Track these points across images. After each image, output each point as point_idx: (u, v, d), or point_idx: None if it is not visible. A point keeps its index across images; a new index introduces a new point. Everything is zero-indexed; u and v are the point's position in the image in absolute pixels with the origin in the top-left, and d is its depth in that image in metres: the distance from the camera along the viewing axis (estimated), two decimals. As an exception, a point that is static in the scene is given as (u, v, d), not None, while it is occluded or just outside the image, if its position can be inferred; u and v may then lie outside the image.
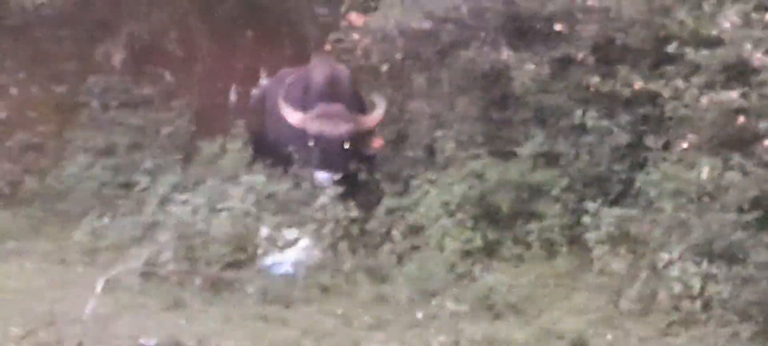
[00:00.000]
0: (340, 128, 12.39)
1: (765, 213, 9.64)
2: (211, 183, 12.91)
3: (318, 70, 13.17)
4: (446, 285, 10.84)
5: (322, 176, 11.97)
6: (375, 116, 12.58)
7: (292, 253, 11.65)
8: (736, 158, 9.65)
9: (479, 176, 11.69)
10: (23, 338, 7.81)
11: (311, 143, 12.47)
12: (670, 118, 10.44)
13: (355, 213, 11.88)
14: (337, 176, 12.06)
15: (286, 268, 11.43)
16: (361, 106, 13.11)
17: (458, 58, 12.06)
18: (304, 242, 11.74)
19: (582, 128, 11.55)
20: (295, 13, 14.60)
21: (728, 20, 9.66)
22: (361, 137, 12.45)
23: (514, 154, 11.81)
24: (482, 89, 12.29)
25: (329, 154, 12.20)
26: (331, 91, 12.86)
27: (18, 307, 10.21)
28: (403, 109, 13.57)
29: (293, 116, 12.73)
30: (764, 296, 9.15)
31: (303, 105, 12.91)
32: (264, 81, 15.00)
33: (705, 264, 9.59)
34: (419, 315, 10.23)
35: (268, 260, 11.52)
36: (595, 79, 10.99)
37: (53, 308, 7.70)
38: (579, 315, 9.98)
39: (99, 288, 8.43)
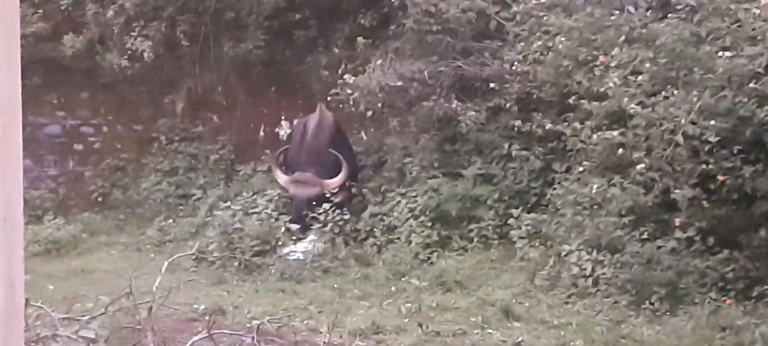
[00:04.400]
0: (308, 192, 12.30)
1: (637, 217, 9.66)
2: (245, 195, 12.94)
3: (311, 120, 13.26)
4: (412, 268, 10.85)
5: (294, 227, 11.87)
6: (338, 179, 12.42)
7: (302, 245, 11.67)
8: (617, 179, 9.68)
9: (436, 191, 11.70)
10: (110, 305, 7.79)
11: (290, 200, 12.48)
12: (571, 150, 10.44)
13: (347, 217, 11.92)
14: (305, 227, 11.91)
15: (298, 255, 11.44)
16: (342, 145, 13.06)
17: (421, 108, 12.06)
18: (311, 237, 11.76)
19: (509, 157, 11.56)
20: (305, 75, 14.60)
21: (612, 81, 9.70)
22: (330, 192, 12.31)
23: (461, 175, 11.80)
24: (438, 129, 12.29)
25: (300, 210, 12.10)
26: (319, 134, 12.94)
27: (106, 282, 10.24)
28: (381, 143, 13.58)
29: (280, 178, 12.74)
30: (636, 276, 9.18)
31: (294, 158, 13.07)
32: (284, 122, 15.01)
33: (595, 253, 9.62)
34: (393, 289, 10.24)
35: (285, 250, 11.52)
36: (518, 122, 11.01)
37: (132, 283, 7.68)
38: (506, 289, 9.99)
39: (164, 269, 8.40)
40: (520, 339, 8.36)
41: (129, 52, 14.20)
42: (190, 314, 9.06)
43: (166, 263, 8.66)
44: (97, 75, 14.91)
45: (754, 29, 9.22)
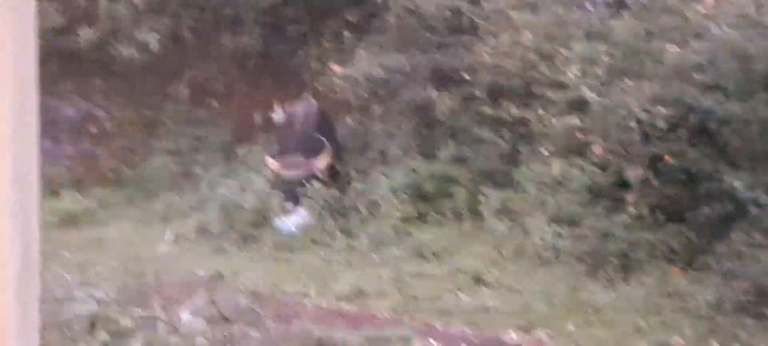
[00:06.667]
0: (297, 172, 12.13)
1: (594, 195, 9.70)
2: (242, 173, 12.91)
3: (297, 108, 13.14)
4: (393, 240, 10.83)
5: (289, 206, 11.85)
6: (322, 159, 12.29)
7: (294, 218, 11.66)
8: (576, 160, 9.72)
9: (414, 171, 11.69)
10: (120, 269, 7.80)
11: (281, 181, 12.28)
12: (535, 134, 10.49)
13: (335, 193, 11.88)
14: (297, 204, 11.76)
15: (290, 228, 11.44)
16: (327, 129, 12.90)
17: (402, 96, 12.09)
18: (302, 211, 11.75)
19: (480, 141, 11.57)
20: (296, 65, 14.57)
21: (572, 72, 9.74)
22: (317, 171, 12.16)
23: (437, 157, 11.83)
24: (417, 116, 12.31)
25: (290, 188, 11.92)
26: (305, 121, 12.81)
27: (116, 250, 10.22)
28: (366, 128, 13.57)
29: (271, 164, 12.59)
30: (592, 247, 9.22)
31: (284, 143, 12.89)
32: (277, 108, 14.95)
33: (556, 227, 9.66)
34: (375, 259, 10.26)
35: (279, 223, 11.52)
36: (488, 109, 11.02)
37: (139, 251, 7.68)
38: (477, 259, 9.98)
39: (169, 239, 8.40)
40: (488, 303, 8.40)
41: (138, 44, 14.14)
42: (192, 278, 9.06)
43: (171, 234, 8.65)
44: (110, 64, 14.83)
45: (699, 26, 9.27)
